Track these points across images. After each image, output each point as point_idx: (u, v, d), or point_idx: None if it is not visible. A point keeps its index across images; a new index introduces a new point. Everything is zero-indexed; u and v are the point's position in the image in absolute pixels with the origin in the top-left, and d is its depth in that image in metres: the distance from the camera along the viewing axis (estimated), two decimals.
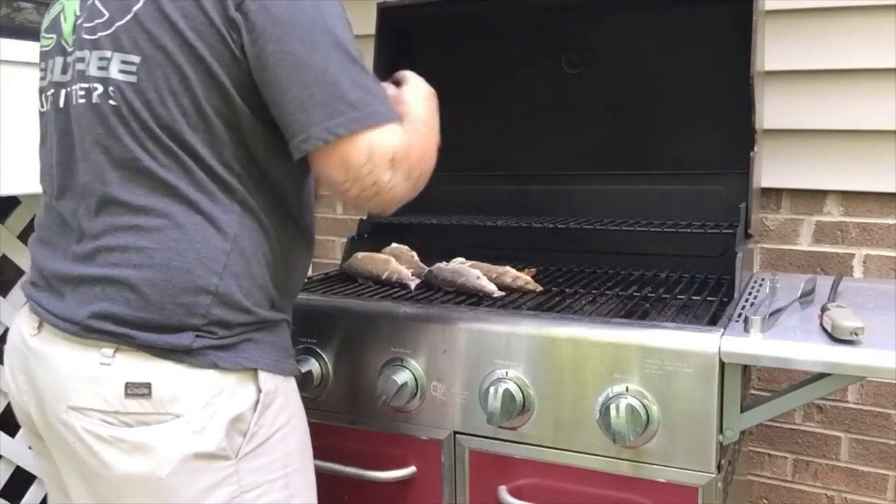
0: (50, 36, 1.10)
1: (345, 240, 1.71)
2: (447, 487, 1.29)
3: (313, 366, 1.35)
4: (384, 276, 1.52)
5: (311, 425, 1.14)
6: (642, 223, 1.62)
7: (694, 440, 1.12)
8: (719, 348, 1.10)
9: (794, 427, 1.83)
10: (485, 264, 1.51)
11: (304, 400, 1.13)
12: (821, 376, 1.14)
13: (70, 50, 1.05)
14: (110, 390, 0.97)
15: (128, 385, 0.96)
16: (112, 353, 0.97)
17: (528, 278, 1.49)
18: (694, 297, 1.42)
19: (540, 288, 1.48)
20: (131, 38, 0.97)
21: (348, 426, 1.36)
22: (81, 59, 1.02)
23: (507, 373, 1.21)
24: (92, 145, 1.01)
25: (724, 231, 1.48)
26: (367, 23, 1.71)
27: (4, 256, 1.71)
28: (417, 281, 1.51)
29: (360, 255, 1.61)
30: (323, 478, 1.18)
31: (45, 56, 1.11)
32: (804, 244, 1.81)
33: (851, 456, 1.78)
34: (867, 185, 1.71)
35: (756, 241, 1.81)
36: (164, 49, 0.96)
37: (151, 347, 0.97)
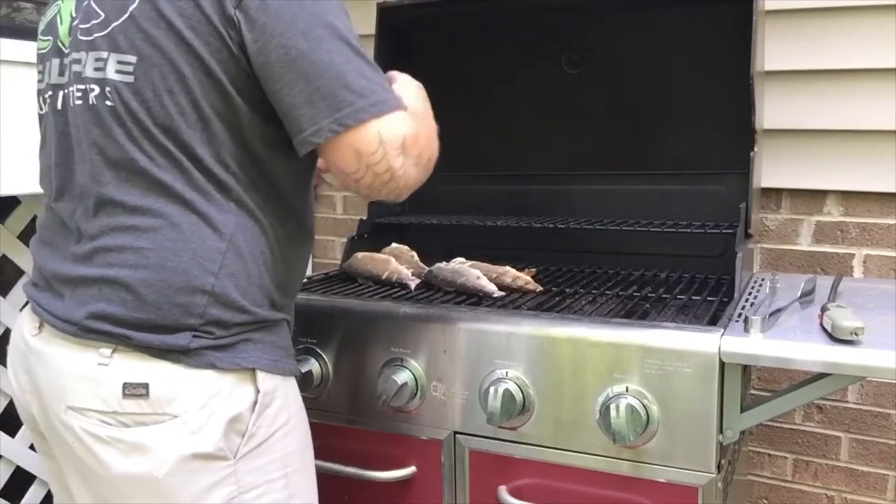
0: (46, 38, 1.10)
1: (345, 240, 1.71)
2: (447, 487, 1.29)
3: (313, 366, 1.35)
4: (384, 276, 1.52)
5: (311, 425, 1.14)
6: (642, 223, 1.62)
7: (694, 440, 1.12)
8: (719, 348, 1.10)
9: (794, 427, 1.83)
10: (485, 264, 1.51)
11: (304, 400, 1.13)
12: (821, 376, 1.14)
13: (66, 52, 1.05)
14: (108, 390, 0.97)
15: (125, 385, 0.96)
16: (110, 354, 0.98)
17: (528, 278, 1.49)
18: (694, 297, 1.42)
19: (540, 288, 1.48)
20: (128, 38, 0.97)
21: (348, 426, 1.36)
22: (78, 61, 1.02)
23: (507, 373, 1.21)
24: (89, 146, 1.01)
25: (724, 231, 1.48)
26: (367, 23, 1.71)
27: (4, 256, 1.71)
28: (417, 281, 1.51)
29: (360, 255, 1.61)
30: (323, 478, 1.18)
31: (41, 58, 1.11)
32: (804, 244, 1.81)
33: (851, 456, 1.78)
34: (867, 185, 1.71)
35: (756, 241, 1.81)
36: (161, 48, 0.96)
37: (149, 348, 0.97)
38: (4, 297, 1.72)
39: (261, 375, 1.02)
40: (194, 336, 0.98)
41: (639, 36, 1.71)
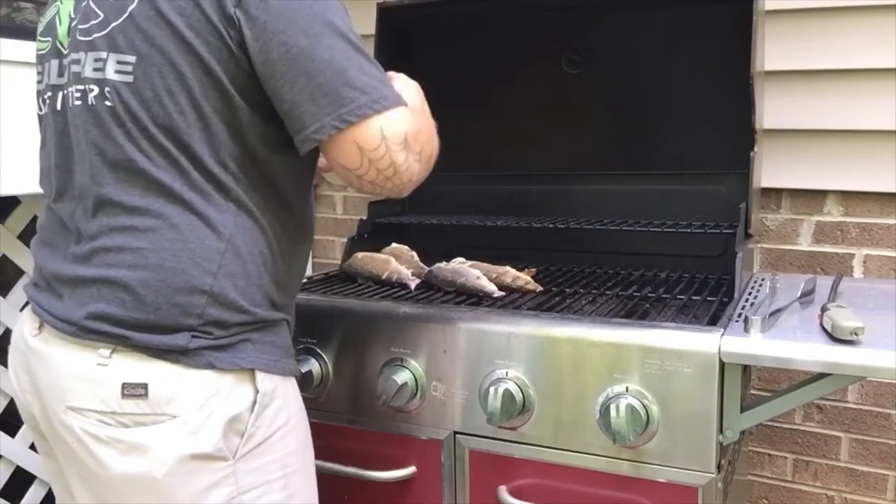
0: (45, 39, 1.10)
1: (345, 240, 1.71)
2: (447, 487, 1.29)
3: (313, 366, 1.35)
4: (384, 276, 1.52)
5: (311, 425, 1.14)
6: (642, 223, 1.62)
7: (694, 440, 1.12)
8: (719, 348, 1.10)
9: (794, 427, 1.83)
10: (485, 264, 1.51)
11: (304, 400, 1.13)
12: (821, 376, 1.14)
13: (65, 52, 1.05)
14: (107, 391, 0.97)
15: (124, 385, 0.96)
16: (109, 354, 0.98)
17: (528, 278, 1.48)
18: (694, 297, 1.42)
19: (540, 288, 1.48)
20: (127, 38, 0.97)
21: (348, 426, 1.36)
22: (77, 62, 1.02)
23: (507, 373, 1.21)
24: (88, 147, 1.01)
25: (724, 231, 1.48)
26: (367, 23, 1.71)
27: (4, 256, 1.71)
28: (417, 281, 1.51)
29: (360, 255, 1.61)
30: (323, 478, 1.18)
31: (40, 59, 1.11)
32: (804, 244, 1.80)
33: (851, 456, 1.78)
34: (867, 185, 1.71)
35: (756, 241, 1.81)
36: (161, 48, 0.96)
37: (147, 348, 0.97)
38: (4, 297, 1.72)
39: (260, 375, 1.02)
40: (193, 336, 0.98)
41: (639, 36, 1.71)
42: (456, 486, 1.29)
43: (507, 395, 1.18)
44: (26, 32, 1.57)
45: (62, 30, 1.06)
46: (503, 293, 1.43)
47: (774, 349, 1.09)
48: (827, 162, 1.74)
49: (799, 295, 1.34)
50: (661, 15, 1.66)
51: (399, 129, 0.99)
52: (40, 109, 1.12)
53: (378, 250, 1.64)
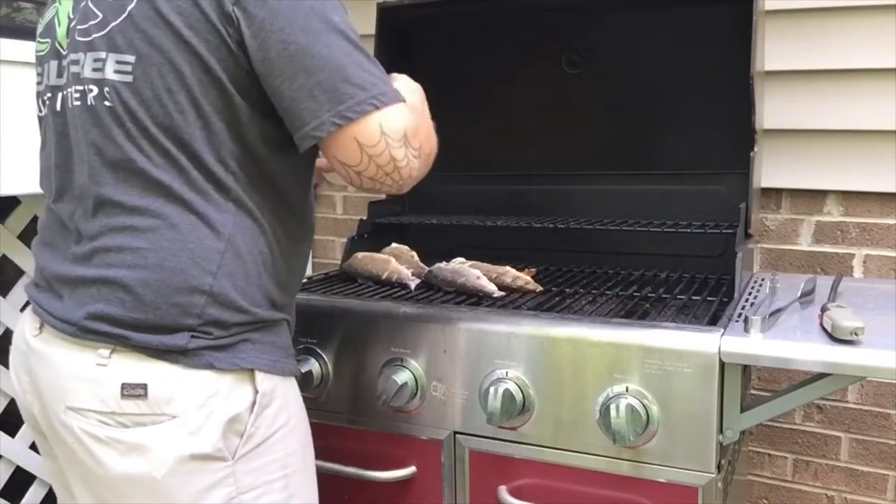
0: (45, 40, 1.10)
1: (345, 240, 1.71)
2: (447, 487, 1.29)
3: (313, 366, 1.35)
4: (384, 276, 1.52)
5: (311, 425, 1.14)
6: (642, 223, 1.62)
7: (694, 440, 1.12)
8: (719, 348, 1.10)
9: (794, 427, 1.83)
10: (485, 264, 1.51)
11: (304, 400, 1.13)
12: (821, 376, 1.14)
13: (64, 53, 1.05)
14: (107, 391, 0.97)
15: (124, 386, 0.96)
16: (108, 354, 0.98)
17: (528, 278, 1.48)
18: (694, 297, 1.42)
19: (540, 288, 1.48)
20: (126, 38, 0.97)
21: (348, 426, 1.36)
22: (76, 62, 1.02)
23: (507, 373, 1.21)
24: (87, 147, 1.01)
25: (724, 231, 1.48)
26: (367, 23, 1.71)
27: (4, 256, 1.71)
28: (417, 281, 1.51)
29: (360, 255, 1.61)
30: (323, 478, 1.18)
31: (40, 60, 1.11)
32: (804, 244, 1.80)
33: (851, 456, 1.78)
34: (867, 185, 1.71)
35: (756, 241, 1.81)
36: (160, 47, 0.96)
37: (147, 348, 0.97)
38: (4, 297, 1.72)
39: (259, 376, 1.02)
40: (192, 336, 0.98)
41: (639, 36, 1.71)
42: (456, 486, 1.29)
43: (507, 395, 1.18)
44: (26, 32, 1.57)
45: (61, 31, 1.06)
46: (503, 293, 1.43)
47: (774, 349, 1.09)
48: (827, 162, 1.74)
49: (799, 295, 1.34)
50: (661, 15, 1.66)
51: (398, 126, 0.99)
52: (40, 111, 1.12)
53: (378, 250, 1.64)
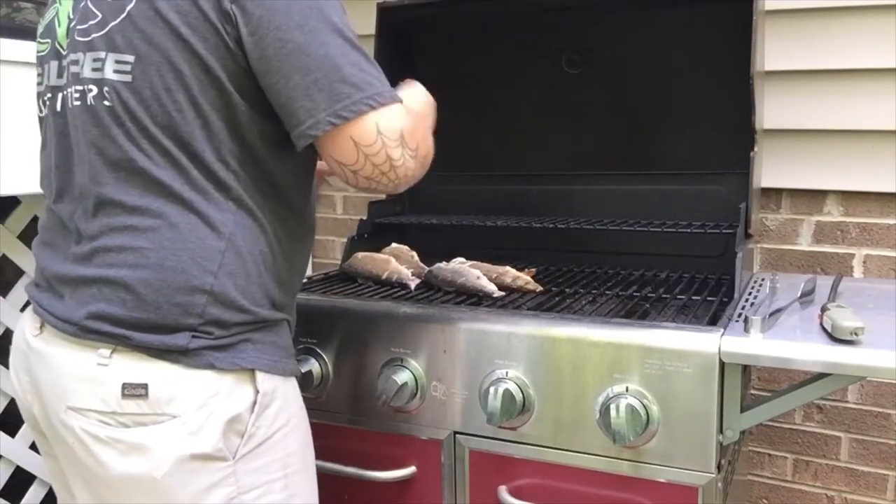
0: (45, 41, 1.10)
1: (345, 240, 1.71)
2: (447, 487, 1.29)
3: (313, 366, 1.35)
4: (384, 276, 1.52)
5: (311, 425, 1.14)
6: (642, 223, 1.62)
7: (694, 440, 1.12)
8: (719, 348, 1.10)
9: (794, 427, 1.83)
10: (485, 264, 1.51)
11: (304, 400, 1.13)
12: (821, 376, 1.14)
13: (64, 53, 1.05)
14: (107, 391, 0.97)
15: (125, 386, 0.96)
16: (109, 354, 0.98)
17: (528, 278, 1.48)
18: (694, 297, 1.42)
19: (540, 288, 1.48)
20: (125, 38, 0.98)
21: (348, 426, 1.36)
22: (75, 62, 1.02)
23: (507, 373, 1.21)
24: (87, 147, 1.01)
25: (724, 231, 1.48)
26: (367, 23, 1.71)
27: (4, 256, 1.71)
28: (417, 281, 1.51)
29: (360, 255, 1.61)
30: (323, 478, 1.18)
31: (40, 61, 1.11)
32: (804, 244, 1.80)
33: (851, 456, 1.78)
34: (867, 185, 1.71)
35: (756, 241, 1.81)
36: (159, 46, 0.96)
37: (148, 348, 0.97)
38: (4, 297, 1.72)
39: (260, 376, 1.02)
40: (193, 336, 0.98)
41: (639, 36, 1.71)
42: (456, 486, 1.29)
43: (507, 395, 1.18)
44: (26, 32, 1.57)
45: (61, 31, 1.06)
46: (503, 293, 1.43)
47: (774, 349, 1.09)
48: (827, 162, 1.74)
49: (799, 295, 1.34)
50: (661, 15, 1.66)
51: (395, 125, 1.00)
52: (40, 111, 1.13)
53: (378, 250, 1.64)
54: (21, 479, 1.75)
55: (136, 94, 0.97)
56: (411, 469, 1.31)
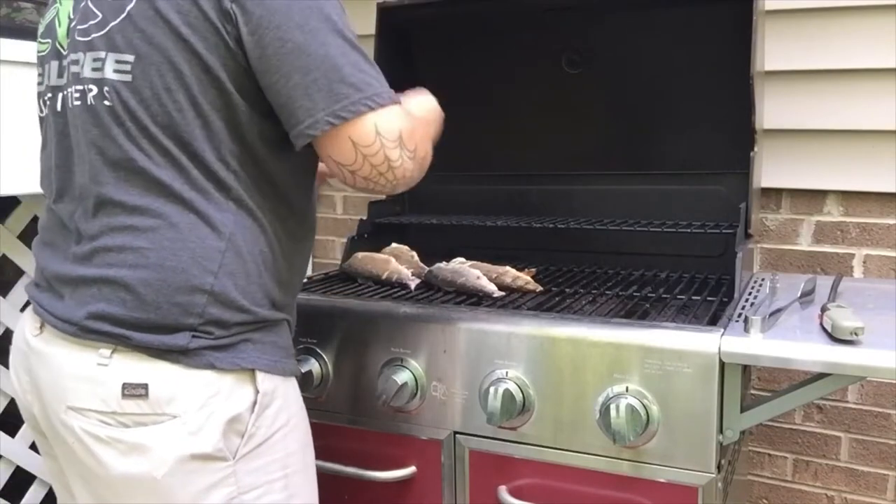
0: (45, 41, 1.10)
1: (345, 240, 1.71)
2: (447, 487, 1.29)
3: (313, 366, 1.35)
4: (384, 276, 1.52)
5: (311, 425, 1.14)
6: (642, 223, 1.62)
7: (694, 440, 1.12)
8: (719, 348, 1.10)
9: (794, 427, 1.83)
10: (485, 264, 1.51)
11: (304, 400, 1.13)
12: (821, 376, 1.14)
13: (65, 53, 1.05)
14: (108, 391, 0.97)
15: (125, 386, 0.96)
16: (109, 354, 0.98)
17: (528, 278, 1.48)
18: (694, 297, 1.42)
19: (540, 288, 1.48)
20: (125, 38, 0.98)
21: (348, 426, 1.36)
22: (76, 62, 1.02)
23: (507, 373, 1.21)
24: (88, 147, 1.01)
25: (724, 231, 1.48)
26: (367, 23, 1.71)
27: (4, 256, 1.71)
28: (417, 281, 1.51)
29: (360, 255, 1.61)
30: (323, 478, 1.18)
31: (41, 61, 1.11)
32: (804, 244, 1.81)
33: (851, 456, 1.78)
34: (867, 185, 1.71)
35: (756, 241, 1.81)
36: (159, 46, 0.96)
37: (148, 348, 0.97)
38: (4, 297, 1.72)
39: (260, 376, 1.02)
40: (193, 336, 0.98)
41: (639, 36, 1.71)
42: (456, 486, 1.29)
43: (507, 395, 1.18)
44: (26, 32, 1.57)
45: (61, 31, 1.06)
46: (503, 293, 1.43)
47: (774, 349, 1.09)
48: (827, 162, 1.74)
49: (799, 295, 1.34)
50: (661, 15, 1.66)
51: (393, 126, 1.00)
52: (41, 111, 1.13)
53: (378, 250, 1.64)
54: (21, 479, 1.75)
55: (136, 94, 0.97)
56: (411, 469, 1.31)
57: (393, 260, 1.56)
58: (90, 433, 0.98)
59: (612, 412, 1.11)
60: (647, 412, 1.12)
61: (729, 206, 1.57)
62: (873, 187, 1.71)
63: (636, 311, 1.33)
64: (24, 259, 1.72)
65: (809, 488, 1.83)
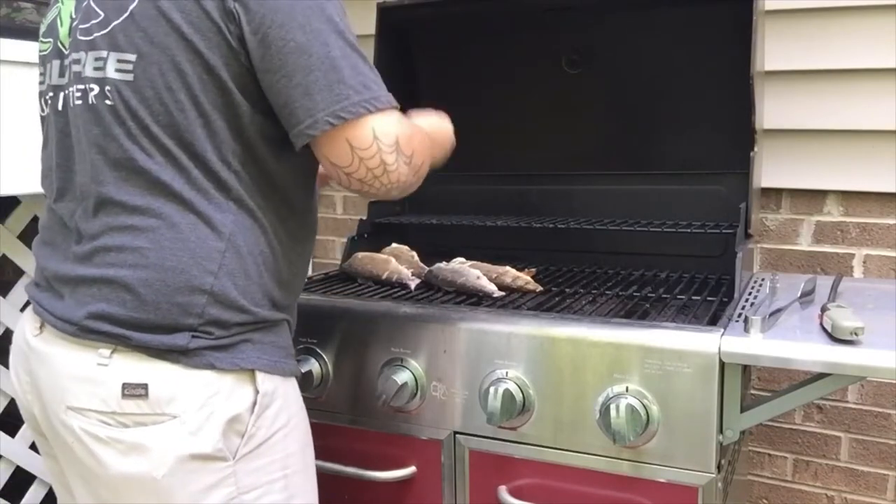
0: (47, 40, 1.10)
1: (345, 240, 1.71)
2: (447, 487, 1.29)
3: (313, 366, 1.35)
4: (384, 276, 1.52)
5: (311, 425, 1.14)
6: (642, 223, 1.62)
7: (694, 440, 1.12)
8: (719, 348, 1.10)
9: (794, 427, 1.83)
10: (485, 264, 1.51)
11: (304, 400, 1.13)
12: (821, 376, 1.14)
13: (66, 53, 1.05)
14: (107, 391, 0.97)
15: (125, 386, 0.96)
16: (109, 354, 0.98)
17: (528, 278, 1.48)
18: (694, 297, 1.42)
19: (540, 288, 1.48)
20: (127, 37, 0.98)
21: (348, 426, 1.36)
22: (77, 61, 1.02)
23: (507, 373, 1.21)
24: (89, 146, 1.01)
25: (724, 231, 1.48)
26: (367, 23, 1.71)
27: (4, 256, 1.71)
28: (417, 281, 1.51)
29: (360, 255, 1.61)
30: (323, 478, 1.18)
31: (43, 60, 1.11)
32: (804, 244, 1.81)
33: (851, 456, 1.78)
34: (867, 185, 1.71)
35: (756, 241, 1.81)
36: (161, 45, 0.96)
37: (148, 348, 0.97)
38: (4, 297, 1.72)
39: (260, 376, 1.02)
40: (193, 336, 0.98)
41: (639, 36, 1.71)
42: (456, 486, 1.29)
43: (507, 395, 1.18)
44: (26, 32, 1.57)
45: (63, 30, 1.06)
46: (503, 293, 1.43)
47: (774, 349, 1.09)
48: (827, 162, 1.74)
49: (799, 295, 1.34)
50: (661, 15, 1.66)
51: (390, 131, 1.00)
52: (42, 110, 1.13)
53: (378, 250, 1.64)
54: (21, 479, 1.75)
55: (138, 93, 0.97)
56: (411, 469, 1.31)
57: (393, 260, 1.56)
58: (90, 433, 0.98)
59: (612, 412, 1.11)
60: (647, 412, 1.12)
61: (729, 206, 1.57)
62: (873, 187, 1.71)
63: (636, 311, 1.33)
64: (24, 259, 1.73)
65: (809, 488, 1.83)
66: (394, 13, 1.76)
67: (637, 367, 1.13)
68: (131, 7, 0.98)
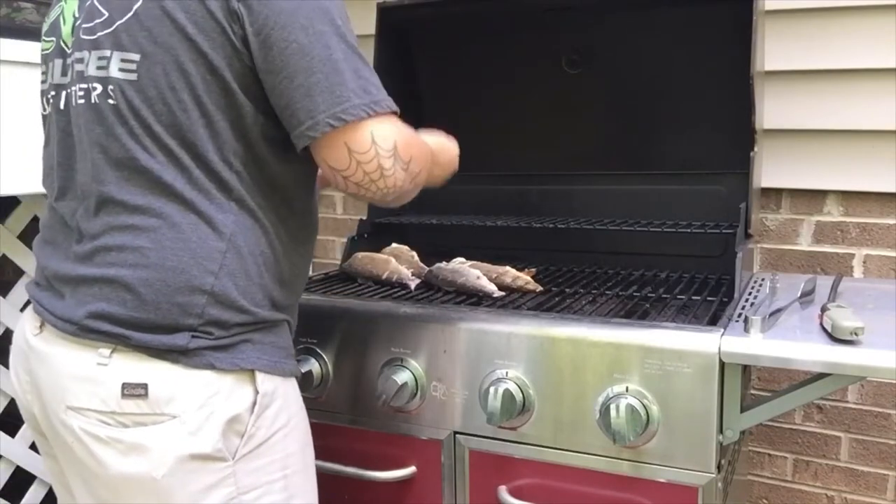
0: (50, 39, 1.10)
1: (345, 240, 1.71)
2: (447, 487, 1.29)
3: (313, 366, 1.35)
4: (384, 276, 1.52)
5: (311, 425, 1.14)
6: (642, 223, 1.62)
7: (694, 440, 1.12)
8: (719, 348, 1.10)
9: (794, 427, 1.83)
10: (485, 264, 1.51)
11: (304, 400, 1.13)
12: (821, 376, 1.14)
13: (69, 52, 1.05)
14: (107, 391, 0.97)
15: (124, 385, 0.96)
16: (109, 354, 0.98)
17: (528, 278, 1.49)
18: (694, 297, 1.42)
19: (540, 288, 1.48)
20: (131, 36, 0.98)
21: (348, 426, 1.36)
22: (80, 60, 1.02)
23: (507, 373, 1.21)
24: (90, 145, 1.01)
25: (724, 231, 1.48)
26: (367, 23, 1.71)
27: (4, 256, 1.71)
28: (417, 281, 1.51)
29: (360, 255, 1.61)
30: (323, 478, 1.18)
31: (45, 59, 1.11)
32: (804, 244, 1.81)
33: (851, 456, 1.78)
34: (867, 185, 1.71)
35: (756, 241, 1.81)
36: (165, 45, 0.96)
37: (148, 348, 0.97)
38: (4, 297, 1.72)
39: (260, 376, 1.02)
40: (193, 336, 0.98)
41: (639, 36, 1.71)
42: (456, 486, 1.29)
43: (507, 395, 1.18)
44: (26, 32, 1.57)
45: (66, 29, 1.06)
46: (503, 293, 1.43)
47: (774, 349, 1.09)
48: (827, 162, 1.74)
49: (799, 295, 1.34)
50: (661, 15, 1.66)
51: (389, 135, 1.00)
52: (44, 109, 1.13)
53: (378, 250, 1.64)
54: (21, 479, 1.75)
55: (141, 93, 0.97)
56: (411, 469, 1.31)
57: (393, 260, 1.56)
58: (90, 433, 0.98)
59: (612, 412, 1.11)
60: (647, 412, 1.12)
61: (729, 206, 1.57)
62: (873, 187, 1.71)
63: (636, 311, 1.33)
64: (24, 259, 1.73)
65: (809, 488, 1.83)
66: (394, 13, 1.76)
67: (637, 367, 1.13)
68: (136, 6, 0.98)
